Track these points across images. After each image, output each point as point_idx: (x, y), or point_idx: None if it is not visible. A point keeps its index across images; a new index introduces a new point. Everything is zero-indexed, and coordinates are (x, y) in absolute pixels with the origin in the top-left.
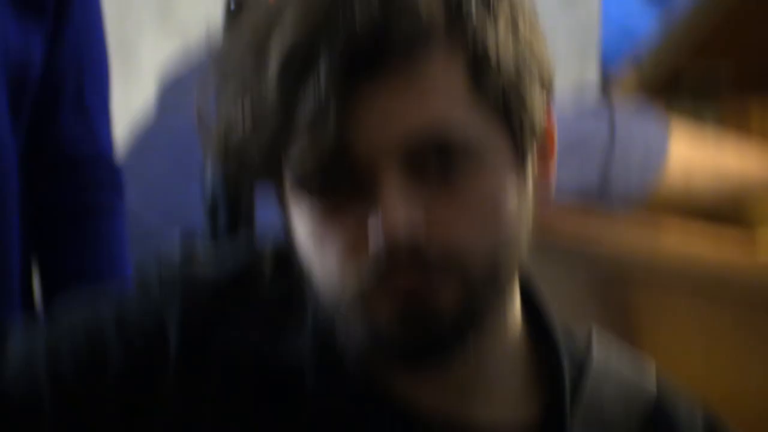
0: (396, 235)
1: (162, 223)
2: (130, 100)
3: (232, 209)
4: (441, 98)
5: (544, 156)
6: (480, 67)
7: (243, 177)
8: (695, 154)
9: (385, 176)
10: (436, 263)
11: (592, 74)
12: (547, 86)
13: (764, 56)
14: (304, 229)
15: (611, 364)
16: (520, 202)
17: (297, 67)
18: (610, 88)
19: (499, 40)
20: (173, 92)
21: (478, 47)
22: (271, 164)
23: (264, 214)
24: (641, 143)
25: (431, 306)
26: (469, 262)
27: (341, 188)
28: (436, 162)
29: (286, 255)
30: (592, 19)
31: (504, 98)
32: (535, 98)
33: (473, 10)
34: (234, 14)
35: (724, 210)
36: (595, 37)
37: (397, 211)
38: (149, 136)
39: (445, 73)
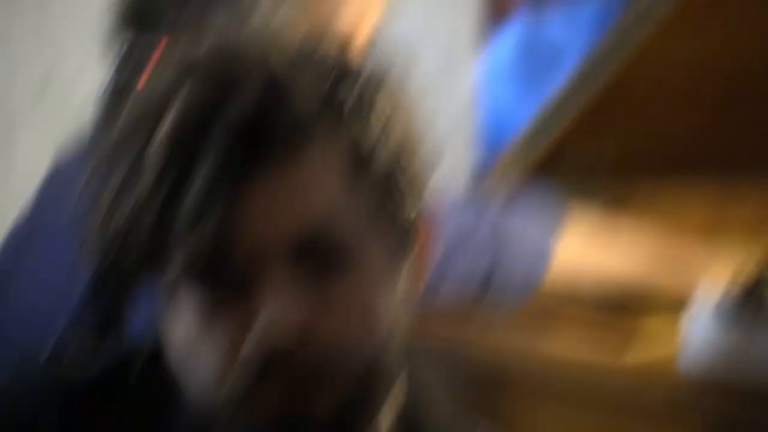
0: (274, 337)
1: (28, 326)
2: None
3: (104, 309)
4: (321, 195)
5: (421, 253)
6: (359, 162)
7: (121, 272)
8: (581, 250)
9: (266, 275)
10: (312, 368)
11: (470, 159)
12: (424, 180)
13: (646, 137)
14: (184, 324)
15: None
16: (396, 302)
17: (181, 159)
18: (491, 173)
19: (377, 134)
20: (53, 186)
21: (357, 141)
22: (154, 256)
23: (136, 317)
24: (527, 239)
25: (307, 412)
26: (346, 367)
27: (223, 284)
28: (316, 261)
29: (157, 356)
30: (468, 103)
31: (381, 193)
32: (413, 193)
33: (352, 103)
34: (112, 101)
35: (609, 303)
36: (471, 122)
37: (275, 313)
38: (26, 233)
39: (324, 168)
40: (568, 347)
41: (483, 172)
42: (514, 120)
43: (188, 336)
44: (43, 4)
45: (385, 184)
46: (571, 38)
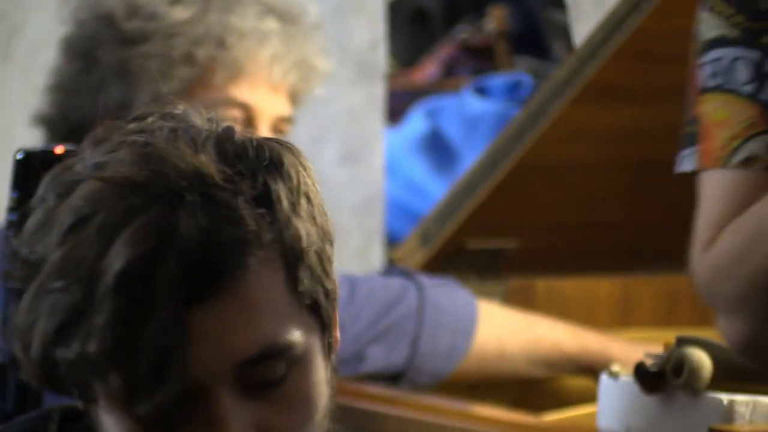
0: None
1: None
2: None
3: (22, 384)
4: (268, 313)
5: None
6: (296, 268)
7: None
8: (506, 323)
9: (218, 399)
10: None
11: (377, 232)
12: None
13: (547, 233)
14: None
15: None
16: (327, 384)
17: (130, 290)
18: (396, 255)
19: (307, 235)
20: None
21: (294, 248)
22: (91, 380)
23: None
24: (451, 314)
25: None
26: None
27: (168, 411)
28: (266, 376)
29: (73, 416)
30: (376, 176)
31: (315, 292)
32: (334, 284)
33: (284, 211)
34: (23, 166)
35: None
36: (379, 195)
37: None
38: None
39: (269, 285)
40: (492, 407)
41: (393, 246)
42: (425, 194)
43: None
44: None
45: (318, 281)
46: (467, 137)
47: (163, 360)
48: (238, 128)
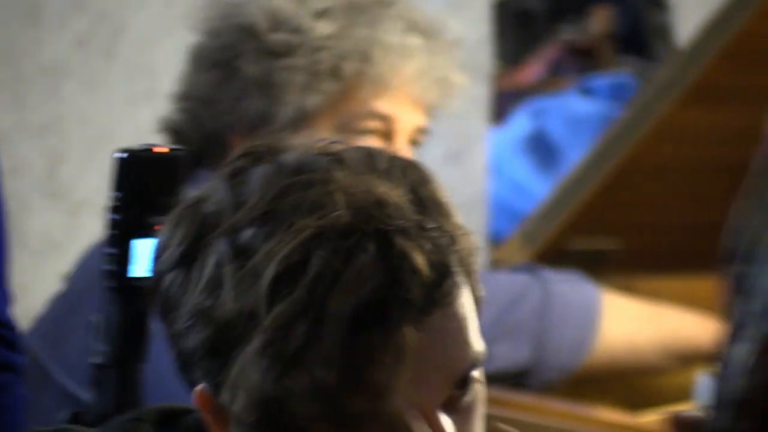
0: None
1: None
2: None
3: (121, 380)
4: (472, 329)
5: None
6: (472, 278)
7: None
8: (634, 316)
9: (438, 420)
10: None
11: (480, 231)
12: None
13: (649, 234)
14: None
15: None
16: None
17: (363, 331)
18: (499, 254)
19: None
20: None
21: (469, 257)
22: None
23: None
24: (576, 308)
25: None
26: None
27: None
28: (465, 389)
29: (169, 417)
30: (480, 176)
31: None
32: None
33: (454, 222)
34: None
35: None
36: (483, 195)
37: None
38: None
39: (468, 303)
40: (590, 406)
41: (496, 246)
42: (529, 194)
43: None
44: None
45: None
46: (571, 138)
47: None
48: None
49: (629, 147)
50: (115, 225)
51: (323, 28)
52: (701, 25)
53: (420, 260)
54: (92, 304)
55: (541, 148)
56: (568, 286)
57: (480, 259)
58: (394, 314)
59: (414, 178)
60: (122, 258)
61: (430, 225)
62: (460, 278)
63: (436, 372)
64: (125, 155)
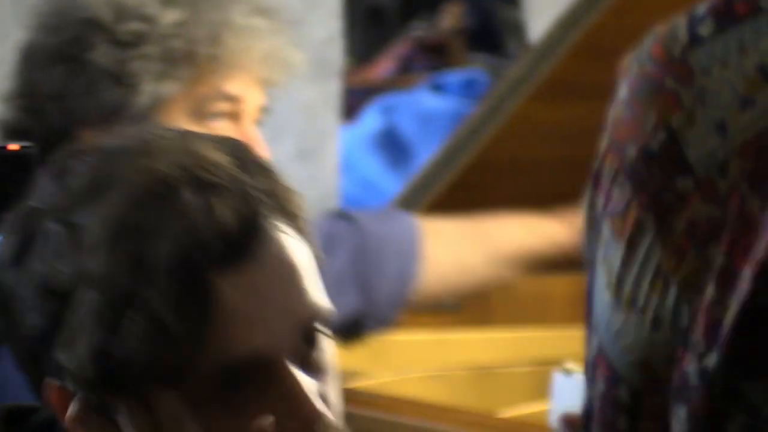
0: (318, 428)
1: None
2: None
3: None
4: (313, 279)
5: None
6: (310, 240)
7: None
8: (457, 234)
9: (287, 369)
10: None
11: None
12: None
13: None
14: None
15: None
16: None
17: (182, 275)
18: None
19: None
20: None
21: (305, 219)
22: (150, 381)
23: None
24: (392, 240)
25: None
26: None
27: (233, 390)
28: (317, 342)
29: (18, 414)
30: (331, 173)
31: (320, 257)
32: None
33: (281, 189)
34: None
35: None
36: (334, 192)
37: (315, 405)
38: None
39: (298, 251)
40: (446, 404)
41: None
42: (380, 191)
43: None
44: None
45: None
46: (422, 135)
47: (213, 331)
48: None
49: (481, 143)
50: None
51: (172, 15)
52: (553, 22)
53: (225, 212)
54: None
55: (392, 145)
56: (382, 222)
57: None
58: (200, 264)
59: (233, 144)
60: None
61: (246, 180)
62: (282, 232)
63: (270, 320)
64: None
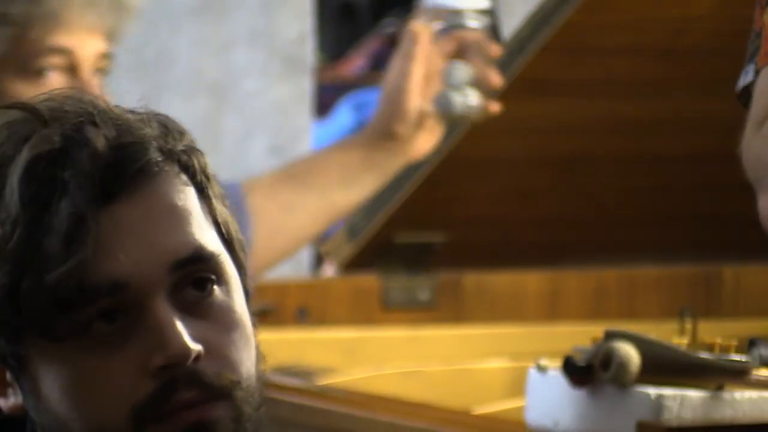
0: (184, 363)
1: None
2: None
3: None
4: (192, 221)
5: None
6: (206, 190)
7: None
8: (272, 186)
9: (157, 305)
10: (213, 389)
11: None
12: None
13: (476, 227)
14: (60, 380)
15: None
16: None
17: (40, 192)
18: (323, 251)
19: (207, 164)
20: None
21: (202, 170)
22: (14, 310)
23: None
24: None
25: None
26: (239, 384)
27: (101, 324)
28: (195, 283)
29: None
30: None
31: (227, 227)
32: (243, 239)
33: (187, 140)
34: None
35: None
36: None
37: (182, 339)
38: None
39: (184, 194)
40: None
41: (321, 240)
42: None
43: (67, 387)
44: None
45: (225, 211)
46: None
47: (75, 251)
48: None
49: (454, 140)
50: None
51: None
52: (526, 18)
53: (99, 142)
54: None
55: None
56: None
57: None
58: (67, 177)
59: (151, 111)
60: None
61: (138, 125)
62: (167, 176)
63: (140, 252)
64: None
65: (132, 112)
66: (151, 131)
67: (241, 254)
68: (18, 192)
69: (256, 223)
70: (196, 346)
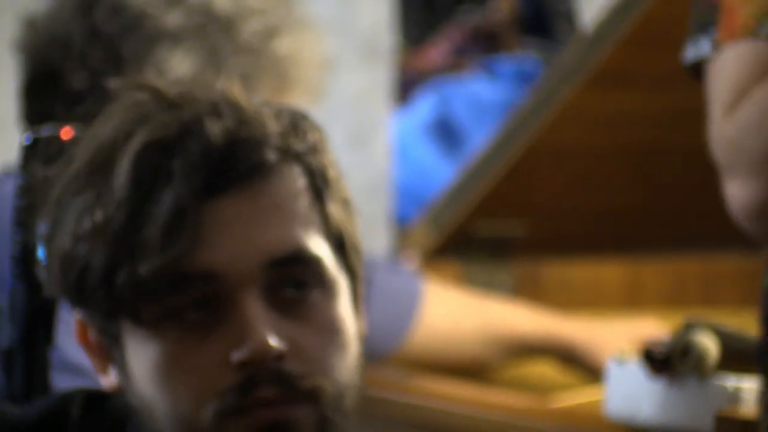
0: (264, 361)
1: None
2: None
3: (28, 362)
4: (296, 220)
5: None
6: (322, 192)
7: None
8: (457, 305)
9: (246, 301)
10: (297, 390)
11: (384, 215)
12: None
13: (555, 218)
14: (148, 362)
15: None
16: (357, 329)
17: (147, 179)
18: (405, 241)
19: (335, 169)
20: None
21: (321, 171)
22: (109, 291)
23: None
24: (389, 297)
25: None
26: (325, 389)
27: (192, 313)
28: (293, 287)
29: (96, 400)
30: (382, 159)
31: (342, 230)
32: (361, 245)
33: (312, 139)
34: (30, 150)
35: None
36: (386, 178)
37: (264, 337)
38: None
39: (295, 193)
40: (496, 392)
41: (401, 230)
42: (434, 178)
43: (154, 371)
44: None
45: (342, 213)
46: (475, 121)
47: (185, 248)
48: None
49: (534, 131)
50: (20, 210)
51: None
52: (605, 9)
53: (215, 134)
54: None
55: (446, 131)
56: (388, 274)
57: (384, 244)
58: (177, 166)
59: (283, 106)
60: (30, 243)
61: (260, 120)
62: (281, 175)
63: (236, 245)
64: (30, 140)
65: (267, 105)
66: (275, 127)
67: (353, 259)
68: (125, 176)
69: (417, 333)
70: (277, 345)
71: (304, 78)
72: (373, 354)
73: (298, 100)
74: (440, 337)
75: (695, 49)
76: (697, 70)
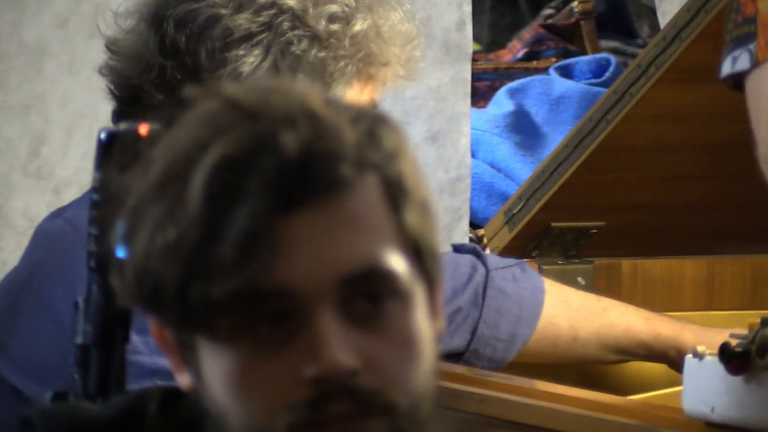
0: (336, 377)
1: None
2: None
3: (104, 360)
4: (372, 235)
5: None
6: (400, 203)
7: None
8: (579, 306)
9: (320, 317)
10: (370, 405)
11: (463, 212)
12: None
13: (631, 214)
14: (221, 372)
15: None
16: (433, 334)
17: (221, 196)
18: (483, 235)
19: (413, 176)
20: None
21: (398, 181)
22: (184, 302)
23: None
24: (514, 300)
25: None
26: (399, 402)
27: (265, 327)
28: (368, 301)
29: (172, 397)
30: (462, 156)
31: (419, 238)
32: (439, 249)
33: (389, 147)
34: (107, 147)
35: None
36: (465, 174)
37: (337, 354)
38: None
39: (371, 207)
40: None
41: (477, 226)
42: (510, 174)
43: (226, 383)
44: None
45: (420, 221)
46: (552, 118)
47: (261, 264)
48: None
49: (611, 127)
50: (97, 205)
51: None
52: (684, 6)
53: (290, 148)
54: (39, 293)
55: (523, 128)
56: (510, 276)
57: (462, 240)
58: (251, 181)
59: (362, 111)
60: (105, 241)
61: (337, 128)
62: (357, 189)
63: (310, 262)
64: (107, 136)
65: (344, 109)
66: (352, 137)
67: (431, 267)
68: (199, 191)
69: (538, 333)
70: (350, 362)
71: (389, 54)
72: (484, 362)
73: (388, 77)
74: (557, 342)
75: (732, 63)
76: (736, 81)
